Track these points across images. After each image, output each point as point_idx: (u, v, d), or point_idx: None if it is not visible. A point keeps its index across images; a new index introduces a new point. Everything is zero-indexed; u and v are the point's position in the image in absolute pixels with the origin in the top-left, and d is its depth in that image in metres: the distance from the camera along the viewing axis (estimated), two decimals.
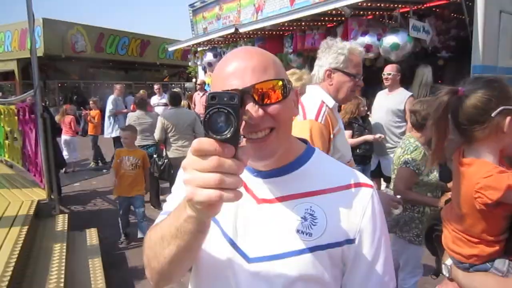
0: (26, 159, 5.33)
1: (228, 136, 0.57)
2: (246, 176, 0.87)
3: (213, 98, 0.59)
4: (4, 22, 15.88)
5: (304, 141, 0.94)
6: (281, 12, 7.49)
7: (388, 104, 4.60)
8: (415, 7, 5.37)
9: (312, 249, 0.80)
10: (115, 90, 8.48)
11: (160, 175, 5.27)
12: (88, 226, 4.72)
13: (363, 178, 0.89)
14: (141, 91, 10.11)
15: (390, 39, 5.05)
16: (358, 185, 0.86)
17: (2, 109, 6.07)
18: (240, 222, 0.85)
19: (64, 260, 3.28)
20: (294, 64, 7.70)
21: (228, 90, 0.66)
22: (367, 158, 4.78)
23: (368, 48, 5.41)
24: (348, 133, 4.58)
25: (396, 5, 5.39)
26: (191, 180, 0.60)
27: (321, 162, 0.90)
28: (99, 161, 8.91)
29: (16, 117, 5.38)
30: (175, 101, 5.38)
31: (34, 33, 4.39)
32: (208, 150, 0.58)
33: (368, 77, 6.56)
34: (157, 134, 5.20)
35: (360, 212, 0.84)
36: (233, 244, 0.85)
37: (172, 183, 0.99)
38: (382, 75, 4.62)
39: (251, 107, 0.72)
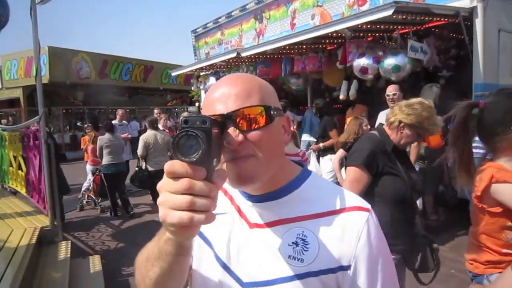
0: (30, 185, 5.32)
1: (195, 159, 0.57)
2: (240, 200, 0.88)
3: (186, 122, 0.60)
4: (11, 51, 16.13)
5: (300, 164, 0.92)
6: (282, 35, 7.61)
7: None
8: (415, 28, 5.44)
9: (303, 276, 0.77)
10: (117, 116, 8.50)
11: (140, 185, 6.69)
12: (91, 252, 4.67)
13: (359, 202, 0.84)
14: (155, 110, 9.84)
15: (390, 61, 5.09)
16: (352, 208, 0.81)
17: (7, 135, 6.11)
18: (234, 246, 0.85)
19: None
20: (294, 86, 7.79)
21: (208, 115, 0.65)
22: None
23: (364, 70, 5.47)
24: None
25: (396, 27, 5.46)
26: (163, 202, 0.60)
27: (315, 186, 0.86)
28: None
29: (20, 144, 5.41)
30: (153, 125, 6.83)
31: (40, 61, 4.47)
32: (179, 172, 0.58)
33: (370, 98, 6.62)
34: (139, 151, 6.52)
35: (354, 237, 0.78)
36: (226, 268, 0.84)
37: (152, 192, 0.99)
38: (386, 96, 4.63)
39: (231, 132, 0.72)
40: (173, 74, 10.98)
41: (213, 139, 0.62)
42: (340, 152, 4.64)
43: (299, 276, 0.77)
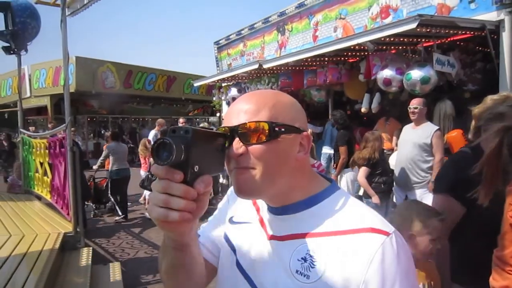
0: (55, 191, 5.45)
1: (167, 163, 0.64)
2: (264, 211, 0.91)
3: (173, 131, 0.67)
4: (40, 61, 16.69)
5: (329, 180, 0.92)
6: (304, 47, 7.64)
7: (415, 138, 4.52)
8: (439, 41, 5.37)
9: None
10: (157, 125, 8.39)
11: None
12: (112, 259, 4.73)
13: (379, 224, 0.79)
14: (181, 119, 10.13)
15: (417, 73, 5.02)
16: (368, 230, 0.77)
17: (35, 143, 6.29)
18: (253, 255, 0.88)
19: None
20: (315, 98, 7.78)
21: (205, 127, 0.77)
22: (385, 192, 4.68)
23: (387, 82, 5.41)
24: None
25: (419, 40, 5.41)
26: (150, 198, 0.69)
27: (337, 203, 0.84)
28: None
29: (47, 151, 5.56)
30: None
31: (68, 70, 4.61)
32: (159, 174, 0.66)
33: (391, 111, 6.53)
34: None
35: (365, 261, 0.74)
36: (245, 274, 0.87)
37: None
38: (408, 108, 4.58)
39: (235, 143, 0.78)
40: (196, 84, 11.14)
41: (219, 149, 0.74)
42: (365, 170, 4.57)
43: None
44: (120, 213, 7.18)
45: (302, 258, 0.79)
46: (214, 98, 12.01)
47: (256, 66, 7.24)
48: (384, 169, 4.62)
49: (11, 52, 6.75)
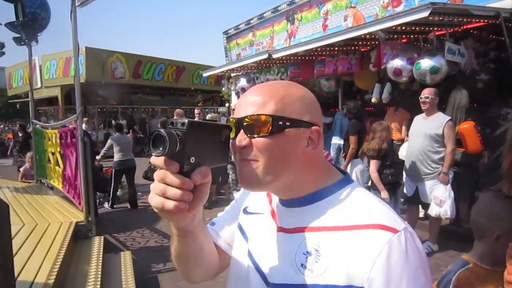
0: (66, 181, 5.52)
1: (160, 154, 0.66)
2: (276, 202, 0.91)
3: (171, 123, 0.70)
4: (50, 52, 16.80)
5: (343, 172, 0.91)
6: (313, 37, 7.56)
7: (426, 128, 4.48)
8: (452, 29, 5.27)
9: (311, 287, 0.77)
10: (175, 115, 8.25)
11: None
12: (123, 248, 4.80)
13: (388, 220, 0.76)
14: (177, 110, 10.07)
15: (427, 63, 4.95)
16: (375, 226, 0.74)
17: (47, 133, 6.37)
18: (263, 246, 0.88)
19: (99, 282, 3.33)
20: (325, 88, 7.72)
21: (209, 120, 0.80)
22: (394, 183, 4.62)
23: (397, 72, 5.34)
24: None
25: (431, 28, 5.32)
26: (151, 187, 0.71)
27: (348, 197, 0.82)
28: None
29: (58, 141, 5.62)
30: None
31: (78, 61, 4.63)
32: (156, 164, 0.69)
33: (403, 101, 6.46)
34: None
35: (371, 258, 0.72)
36: (255, 264, 0.88)
37: None
38: (419, 98, 4.52)
39: (239, 136, 0.80)
40: (205, 75, 11.12)
41: (223, 140, 0.76)
42: (376, 163, 4.53)
43: (306, 286, 0.77)
44: (109, 203, 7.46)
45: (307, 252, 0.79)
46: (223, 89, 12.00)
47: (265, 56, 7.19)
48: (392, 161, 4.57)
49: (22, 43, 6.79)
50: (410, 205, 4.88)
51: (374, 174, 4.52)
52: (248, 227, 0.96)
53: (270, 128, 0.77)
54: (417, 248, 0.75)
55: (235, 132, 0.80)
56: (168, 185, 0.69)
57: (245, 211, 1.00)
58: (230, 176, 7.55)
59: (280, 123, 0.78)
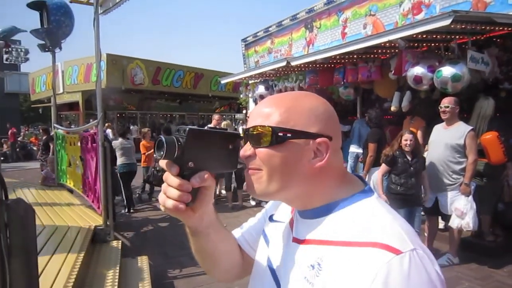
0: (86, 185, 5.61)
1: (161, 157, 0.74)
2: (296, 212, 0.91)
3: (177, 130, 0.77)
4: (72, 58, 17.19)
5: (365, 184, 0.88)
6: (332, 45, 7.54)
7: (446, 138, 4.40)
8: (474, 37, 5.19)
9: None
10: (213, 120, 8.16)
11: (158, 183, 7.32)
12: (139, 253, 4.82)
13: (392, 239, 0.70)
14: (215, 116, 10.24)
15: (448, 70, 4.87)
16: (376, 245, 0.70)
17: (68, 138, 6.49)
18: (281, 254, 0.89)
19: (116, 286, 3.36)
20: (343, 96, 7.67)
21: (217, 128, 0.86)
22: (412, 197, 4.41)
23: (417, 79, 5.26)
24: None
25: (453, 36, 5.24)
26: (162, 187, 0.79)
27: (360, 211, 0.78)
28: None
29: (79, 145, 5.72)
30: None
31: (100, 67, 4.72)
32: (161, 166, 0.76)
33: (419, 110, 6.36)
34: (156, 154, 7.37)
35: (368, 280, 0.67)
36: (273, 272, 0.89)
37: None
38: (439, 108, 4.45)
39: (246, 145, 0.83)
40: (223, 81, 11.19)
41: (230, 148, 0.81)
42: (384, 167, 4.49)
43: None
44: (126, 210, 7.53)
45: (311, 265, 0.77)
46: (241, 96, 12.04)
47: (283, 63, 7.20)
48: (403, 170, 4.37)
49: (46, 49, 6.97)
50: (429, 216, 4.78)
51: (378, 175, 4.58)
52: (271, 234, 0.98)
53: (270, 139, 0.79)
54: (425, 272, 0.68)
55: (243, 141, 0.84)
56: (169, 185, 0.76)
57: (270, 218, 1.02)
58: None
59: (280, 134, 0.78)
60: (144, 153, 8.61)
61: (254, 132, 0.81)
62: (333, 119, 0.84)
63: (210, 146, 0.79)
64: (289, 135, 0.78)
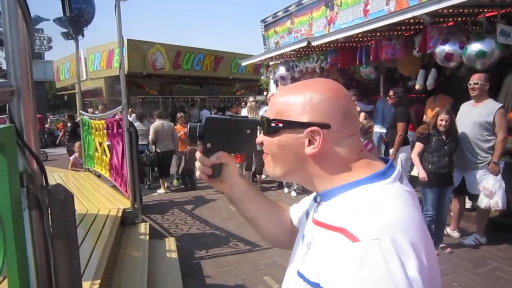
0: (113, 170, 5.75)
1: (188, 139, 0.95)
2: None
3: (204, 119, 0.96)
4: (93, 44, 17.42)
5: (384, 165, 0.86)
6: (354, 23, 7.37)
7: (475, 116, 4.28)
8: (504, 10, 4.97)
9: (300, 275, 0.83)
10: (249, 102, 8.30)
11: (150, 164, 8.06)
12: (167, 235, 4.95)
13: (357, 227, 0.70)
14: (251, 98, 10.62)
15: (474, 47, 4.71)
16: (342, 231, 0.72)
17: (94, 123, 6.64)
18: (304, 232, 0.95)
19: (146, 267, 3.47)
20: (364, 75, 7.53)
21: (237, 115, 1.05)
22: (444, 177, 4.30)
23: (449, 57, 5.11)
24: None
25: (481, 10, 5.04)
26: None
27: (360, 195, 0.78)
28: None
29: (105, 131, 5.85)
30: (161, 116, 8.21)
31: (122, 53, 4.76)
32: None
33: (449, 88, 6.19)
34: (151, 137, 7.80)
35: (329, 262, 0.72)
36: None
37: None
38: (468, 84, 4.32)
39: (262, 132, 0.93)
40: (243, 64, 11.13)
41: (252, 132, 0.95)
42: (418, 146, 4.38)
43: (299, 274, 0.84)
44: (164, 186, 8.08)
45: (307, 243, 0.85)
46: (262, 77, 11.98)
47: (304, 43, 7.10)
48: (436, 149, 4.26)
49: (69, 37, 7.08)
50: (456, 196, 4.70)
51: (414, 155, 4.44)
52: (309, 212, 1.04)
53: (266, 129, 0.89)
54: (383, 265, 0.65)
55: (203, 124, 0.97)
56: (197, 160, 0.98)
57: (315, 198, 1.02)
58: None
59: (273, 124, 0.87)
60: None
61: (262, 122, 0.91)
62: (336, 107, 0.83)
63: (226, 131, 0.95)
64: (280, 125, 0.86)
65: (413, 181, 4.61)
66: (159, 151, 7.78)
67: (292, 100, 0.85)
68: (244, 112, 9.56)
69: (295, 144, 0.85)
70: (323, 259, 0.75)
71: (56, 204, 0.98)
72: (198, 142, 0.95)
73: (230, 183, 1.01)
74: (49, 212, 0.97)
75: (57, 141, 16.34)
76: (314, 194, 1.13)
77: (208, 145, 0.94)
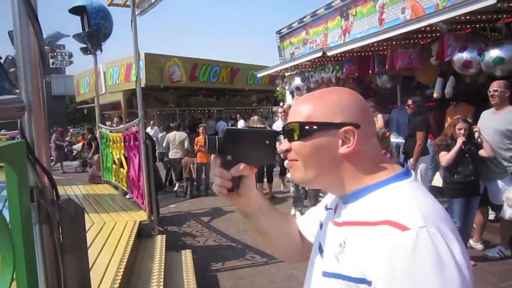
0: (130, 182, 5.80)
1: (206, 152, 0.91)
2: (339, 199, 0.97)
3: (222, 130, 0.93)
4: (112, 59, 17.81)
5: (402, 168, 0.91)
6: (369, 32, 7.34)
7: (496, 124, 4.18)
8: None
9: (336, 275, 0.84)
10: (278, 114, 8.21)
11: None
12: (183, 247, 4.94)
13: (402, 217, 0.74)
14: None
15: (493, 53, 4.63)
16: (386, 222, 0.75)
17: (111, 136, 6.74)
18: (326, 238, 0.96)
19: (162, 280, 3.46)
20: (380, 84, 7.46)
21: (253, 127, 1.08)
22: (471, 185, 4.14)
23: (467, 64, 5.02)
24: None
25: (500, 16, 4.95)
26: None
27: (389, 193, 0.83)
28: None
29: (122, 144, 5.92)
30: (171, 128, 9.65)
31: (139, 67, 4.84)
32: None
33: (468, 96, 6.07)
34: (164, 145, 9.21)
35: (378, 255, 0.73)
36: (321, 252, 0.96)
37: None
38: (488, 92, 4.23)
39: (284, 141, 0.94)
40: (259, 75, 11.21)
41: (271, 143, 0.93)
42: (444, 154, 4.22)
43: (333, 275, 0.84)
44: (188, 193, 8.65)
45: (339, 244, 0.85)
46: (278, 88, 12.01)
47: (319, 54, 7.10)
48: (458, 159, 4.07)
49: (88, 52, 7.24)
50: (478, 206, 4.56)
51: (447, 158, 4.13)
52: (323, 220, 1.05)
53: (299, 133, 0.89)
54: (434, 250, 0.69)
55: (221, 136, 0.96)
56: (215, 175, 0.94)
57: (325, 207, 1.09)
58: None
59: (307, 127, 0.88)
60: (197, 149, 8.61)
61: (288, 129, 0.92)
62: (361, 108, 0.90)
63: (245, 142, 0.93)
64: (315, 127, 0.88)
65: (434, 191, 4.50)
66: (170, 157, 9.05)
67: (320, 104, 0.90)
68: (240, 124, 10.08)
69: (330, 145, 0.87)
70: (366, 253, 0.76)
71: (66, 219, 0.98)
72: (216, 155, 0.92)
73: (247, 196, 0.99)
74: (60, 226, 0.98)
75: (73, 154, 16.29)
76: (321, 203, 1.17)
77: (229, 157, 0.91)
